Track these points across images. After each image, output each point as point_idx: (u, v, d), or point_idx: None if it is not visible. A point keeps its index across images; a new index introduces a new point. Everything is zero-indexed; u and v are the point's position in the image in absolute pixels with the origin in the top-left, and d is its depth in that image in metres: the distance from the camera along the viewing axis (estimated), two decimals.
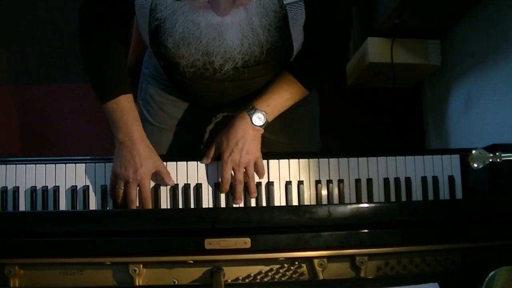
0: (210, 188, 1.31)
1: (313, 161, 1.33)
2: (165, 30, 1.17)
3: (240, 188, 1.28)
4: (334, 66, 1.40)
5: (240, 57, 1.18)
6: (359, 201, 1.31)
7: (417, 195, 1.32)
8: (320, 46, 1.31)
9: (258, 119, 1.30)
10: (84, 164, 1.30)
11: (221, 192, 1.29)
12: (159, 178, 1.30)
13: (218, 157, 1.31)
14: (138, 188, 1.27)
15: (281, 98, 1.32)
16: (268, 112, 1.30)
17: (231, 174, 1.29)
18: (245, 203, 1.30)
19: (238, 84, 1.32)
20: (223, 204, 1.30)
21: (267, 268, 1.09)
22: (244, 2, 1.07)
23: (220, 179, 1.29)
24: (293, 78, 1.32)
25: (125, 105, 1.29)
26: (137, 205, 1.28)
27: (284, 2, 1.15)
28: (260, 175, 1.32)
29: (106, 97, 1.29)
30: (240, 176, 1.28)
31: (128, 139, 1.28)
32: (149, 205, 1.28)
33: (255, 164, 1.30)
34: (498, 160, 1.17)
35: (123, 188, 1.27)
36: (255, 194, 1.30)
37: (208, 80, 1.30)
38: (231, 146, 1.28)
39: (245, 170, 1.29)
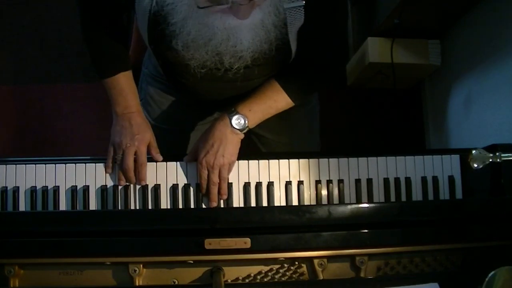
0: None
1: (313, 161, 1.33)
2: (174, 34, 1.17)
3: (214, 190, 1.27)
4: (323, 82, 1.39)
5: (250, 55, 1.18)
6: (359, 201, 1.31)
7: (417, 195, 1.31)
8: (312, 59, 1.31)
9: (238, 122, 1.28)
10: (84, 164, 1.30)
11: (201, 193, 1.29)
12: (149, 150, 1.32)
13: None
14: (134, 156, 1.28)
15: (264, 104, 1.31)
16: (249, 117, 1.29)
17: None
18: (245, 203, 1.30)
19: (249, 84, 1.32)
20: (222, 204, 1.30)
21: (267, 268, 1.09)
22: (260, 2, 1.07)
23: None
24: (279, 87, 1.31)
25: (124, 82, 1.32)
26: (133, 173, 1.28)
27: (284, 6, 1.15)
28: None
29: (105, 74, 1.32)
30: (214, 178, 1.27)
31: (126, 112, 1.32)
32: (145, 171, 1.29)
33: (228, 168, 1.29)
34: (498, 160, 1.17)
35: (121, 155, 1.28)
36: (225, 196, 1.29)
37: (219, 81, 1.30)
38: (207, 147, 1.27)
39: (219, 172, 1.28)
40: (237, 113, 1.29)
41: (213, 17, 1.09)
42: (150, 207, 1.29)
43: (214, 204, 1.28)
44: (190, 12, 1.11)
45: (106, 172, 1.30)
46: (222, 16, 1.08)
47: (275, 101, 1.31)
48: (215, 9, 1.06)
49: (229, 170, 1.29)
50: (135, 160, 1.29)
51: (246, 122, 1.28)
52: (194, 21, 1.12)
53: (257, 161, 1.33)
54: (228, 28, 1.11)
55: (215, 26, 1.11)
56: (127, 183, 1.29)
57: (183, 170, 1.32)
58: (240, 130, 1.28)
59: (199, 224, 1.08)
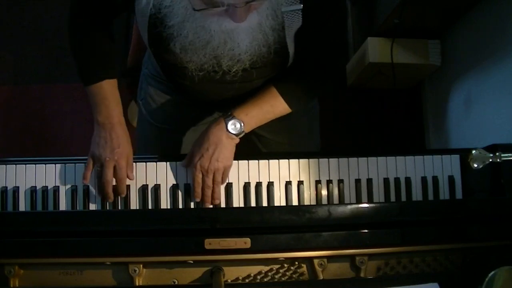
0: None
1: (313, 161, 1.33)
2: (172, 37, 1.17)
3: (208, 192, 1.27)
4: (321, 88, 1.38)
5: (248, 58, 1.18)
6: (359, 201, 1.31)
7: (417, 195, 1.31)
8: (310, 62, 1.30)
9: (234, 127, 1.27)
10: (84, 164, 1.30)
11: (195, 197, 1.28)
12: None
13: None
14: (114, 169, 1.27)
15: (261, 110, 1.30)
16: (245, 121, 1.28)
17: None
18: (245, 203, 1.30)
19: (247, 86, 1.32)
20: (223, 204, 1.30)
21: (267, 268, 1.09)
22: (257, 6, 1.06)
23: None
24: (277, 93, 1.30)
25: (107, 90, 1.30)
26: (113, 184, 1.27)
27: (282, 9, 1.14)
28: (222, 183, 1.30)
29: (89, 80, 1.30)
30: (208, 182, 1.26)
31: (108, 122, 1.30)
32: (124, 186, 1.27)
33: (224, 173, 1.28)
34: (498, 160, 1.17)
35: (100, 168, 1.27)
36: (218, 201, 1.28)
37: (217, 83, 1.29)
38: (202, 151, 1.27)
39: (213, 176, 1.27)
40: (233, 117, 1.27)
41: (210, 20, 1.08)
42: (150, 207, 1.29)
43: (208, 205, 1.28)
44: (187, 15, 1.10)
45: (82, 183, 1.28)
46: (218, 19, 1.07)
47: (272, 106, 1.30)
48: (211, 11, 1.05)
49: (225, 175, 1.29)
50: (115, 173, 1.27)
51: (242, 126, 1.27)
52: (192, 24, 1.11)
53: (257, 161, 1.33)
54: (225, 31, 1.10)
55: (212, 29, 1.10)
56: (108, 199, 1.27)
57: (183, 170, 1.31)
58: (236, 134, 1.27)
59: (199, 224, 1.08)
